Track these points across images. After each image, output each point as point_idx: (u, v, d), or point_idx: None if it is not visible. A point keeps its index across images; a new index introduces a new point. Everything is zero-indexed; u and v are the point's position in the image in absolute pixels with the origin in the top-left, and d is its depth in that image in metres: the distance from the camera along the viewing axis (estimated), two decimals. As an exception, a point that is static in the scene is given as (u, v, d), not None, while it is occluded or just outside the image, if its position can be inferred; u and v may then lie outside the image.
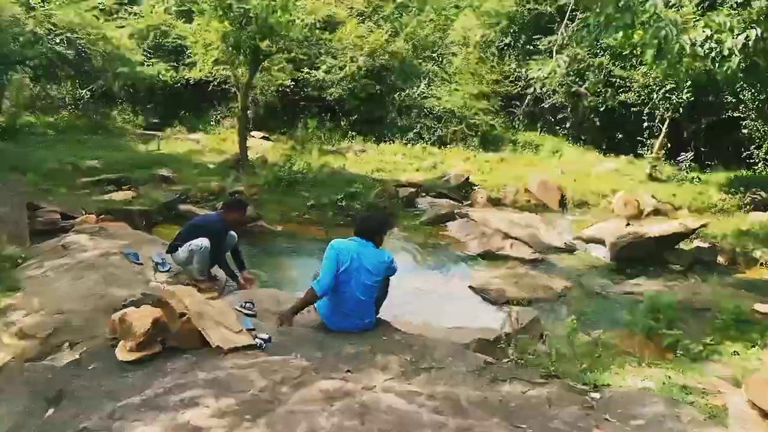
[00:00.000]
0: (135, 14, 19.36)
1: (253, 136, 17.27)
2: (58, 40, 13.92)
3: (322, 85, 18.83)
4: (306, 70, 18.37)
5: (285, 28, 11.28)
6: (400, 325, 5.60)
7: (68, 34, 14.28)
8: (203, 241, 6.06)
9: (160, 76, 17.29)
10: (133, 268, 6.18)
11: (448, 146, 18.17)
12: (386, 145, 17.67)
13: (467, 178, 12.92)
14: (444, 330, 5.61)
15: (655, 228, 9.17)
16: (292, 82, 17.78)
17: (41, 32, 13.66)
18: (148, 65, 17.17)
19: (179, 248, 6.13)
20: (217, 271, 6.75)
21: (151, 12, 19.14)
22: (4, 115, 13.42)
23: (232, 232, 6.44)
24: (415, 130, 18.80)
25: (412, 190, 11.41)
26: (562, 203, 12.74)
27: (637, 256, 8.78)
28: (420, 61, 20.73)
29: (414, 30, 21.09)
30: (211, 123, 19.02)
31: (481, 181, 13.43)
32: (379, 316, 5.04)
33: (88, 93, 17.53)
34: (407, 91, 19.34)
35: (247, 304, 4.86)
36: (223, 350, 3.68)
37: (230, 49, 11.62)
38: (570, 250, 9.33)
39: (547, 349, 5.48)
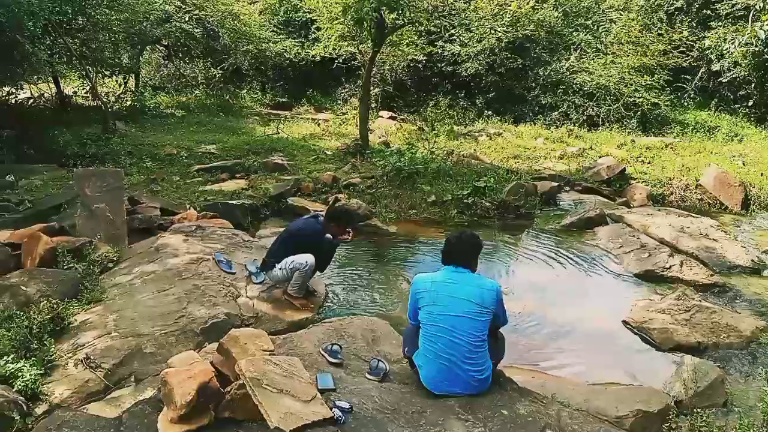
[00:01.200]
0: (268, -12, 19.44)
1: (380, 116, 16.70)
2: (187, 18, 14.10)
3: (456, 59, 17.70)
4: (440, 44, 17.32)
5: (413, -4, 10.28)
6: (527, 376, 4.55)
7: (197, 12, 14.43)
8: (308, 259, 5.39)
9: (286, 53, 17.12)
10: (224, 279, 5.67)
11: (598, 129, 16.29)
12: (526, 126, 16.20)
13: (623, 170, 11.19)
14: (586, 389, 4.43)
15: None
16: (424, 57, 16.85)
17: (171, 9, 13.89)
18: (275, 42, 17.07)
19: (277, 265, 5.51)
20: (317, 285, 6.08)
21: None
22: (133, 96, 13.87)
23: (329, 235, 5.73)
24: (560, 110, 17.10)
25: (554, 184, 9.98)
26: (745, 204, 10.58)
27: None
28: (570, 30, 18.72)
29: (565, -6, 19.09)
30: (338, 102, 18.71)
31: (640, 173, 11.61)
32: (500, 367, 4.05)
33: (219, 72, 17.86)
34: (554, 65, 17.61)
35: (334, 347, 4.04)
36: (283, 433, 2.87)
37: (353, 23, 10.88)
38: (758, 270, 7.51)
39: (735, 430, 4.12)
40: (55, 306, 4.63)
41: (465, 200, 8.76)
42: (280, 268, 5.52)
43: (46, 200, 7.41)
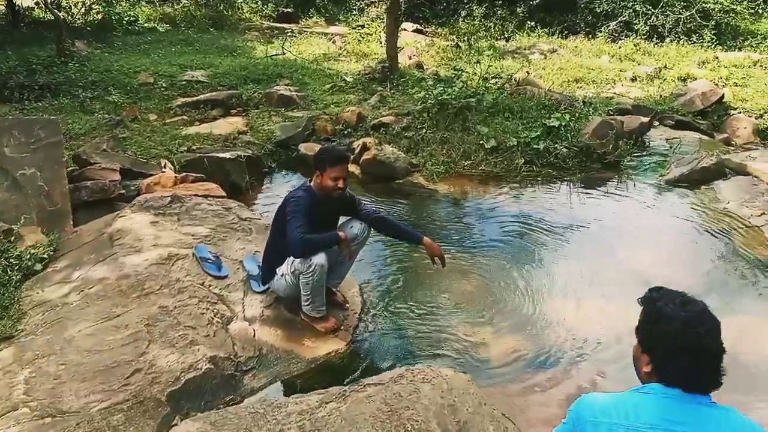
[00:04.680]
0: None
1: (404, 29, 14.34)
2: None
3: (495, -43, 15.11)
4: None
5: None
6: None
7: None
8: (317, 259, 3.50)
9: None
10: (209, 289, 3.86)
11: (664, 42, 13.93)
12: (581, 41, 13.83)
13: (721, 97, 9.07)
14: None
15: None
16: (456, -45, 14.32)
17: None
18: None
19: (278, 270, 3.69)
20: (348, 287, 4.27)
21: None
22: (103, 7, 11.50)
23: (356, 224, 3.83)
24: (620, 18, 14.61)
25: (644, 120, 7.83)
26: None
27: None
28: None
29: None
30: (353, 12, 16.24)
31: (740, 100, 9.48)
32: None
33: (211, -25, 15.31)
34: (611, -37, 14.97)
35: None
36: None
37: None
38: None
39: None
40: None
41: (534, 145, 6.76)
42: (282, 274, 3.69)
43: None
